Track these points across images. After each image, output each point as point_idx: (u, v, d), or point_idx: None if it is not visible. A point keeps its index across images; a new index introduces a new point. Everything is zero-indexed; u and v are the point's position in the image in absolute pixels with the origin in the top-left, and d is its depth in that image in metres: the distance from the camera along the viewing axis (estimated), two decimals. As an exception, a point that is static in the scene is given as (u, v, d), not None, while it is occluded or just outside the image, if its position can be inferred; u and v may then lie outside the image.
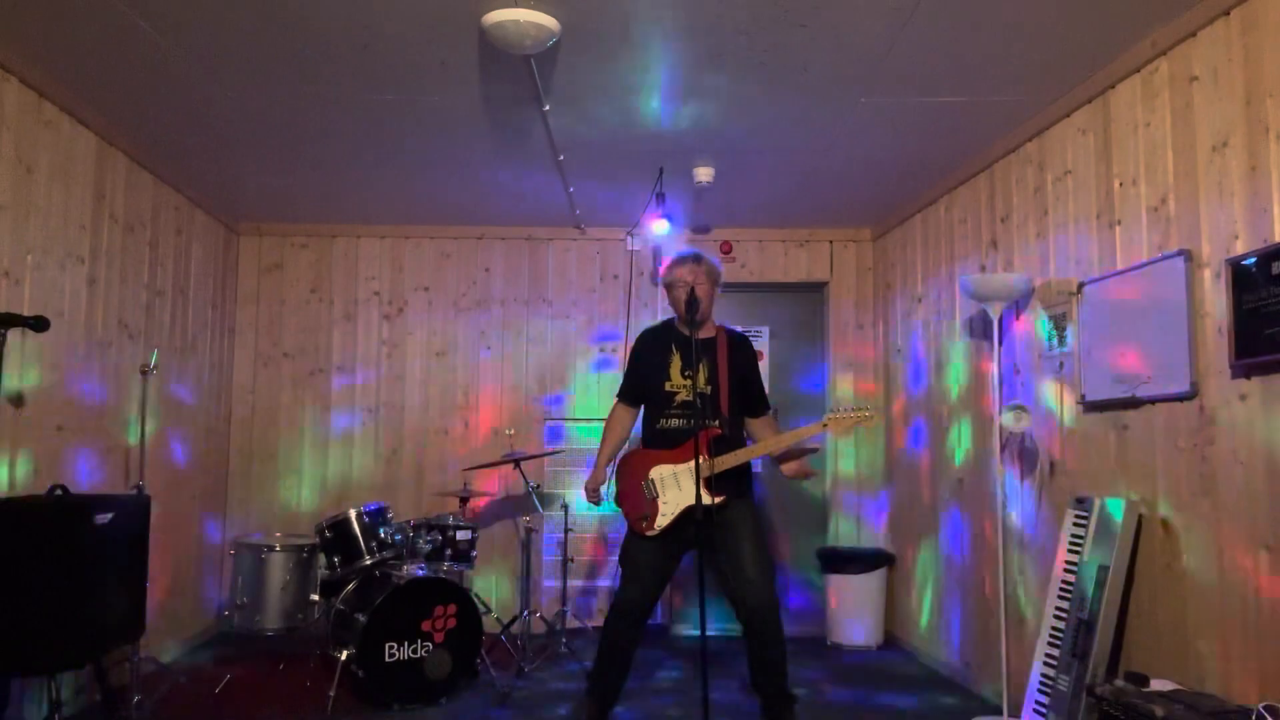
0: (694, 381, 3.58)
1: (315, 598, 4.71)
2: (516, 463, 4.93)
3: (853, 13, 3.09)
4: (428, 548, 4.54)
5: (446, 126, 4.20)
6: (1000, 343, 4.05)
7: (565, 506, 5.43)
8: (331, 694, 3.99)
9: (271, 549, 4.72)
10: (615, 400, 3.90)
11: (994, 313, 3.97)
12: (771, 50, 3.38)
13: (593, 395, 5.92)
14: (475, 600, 4.41)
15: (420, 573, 4.26)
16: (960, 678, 4.58)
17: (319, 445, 5.86)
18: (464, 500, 4.97)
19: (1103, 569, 3.21)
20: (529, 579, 5.18)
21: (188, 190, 5.04)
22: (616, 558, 3.74)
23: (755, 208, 5.56)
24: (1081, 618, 3.25)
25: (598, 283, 6.05)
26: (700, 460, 3.20)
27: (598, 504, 3.80)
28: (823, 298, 6.11)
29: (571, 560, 5.46)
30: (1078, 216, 3.68)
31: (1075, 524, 3.44)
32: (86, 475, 4.03)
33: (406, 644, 4.10)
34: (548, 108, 3.90)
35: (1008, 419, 3.87)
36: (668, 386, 3.67)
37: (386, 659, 4.05)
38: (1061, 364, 3.75)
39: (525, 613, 5.03)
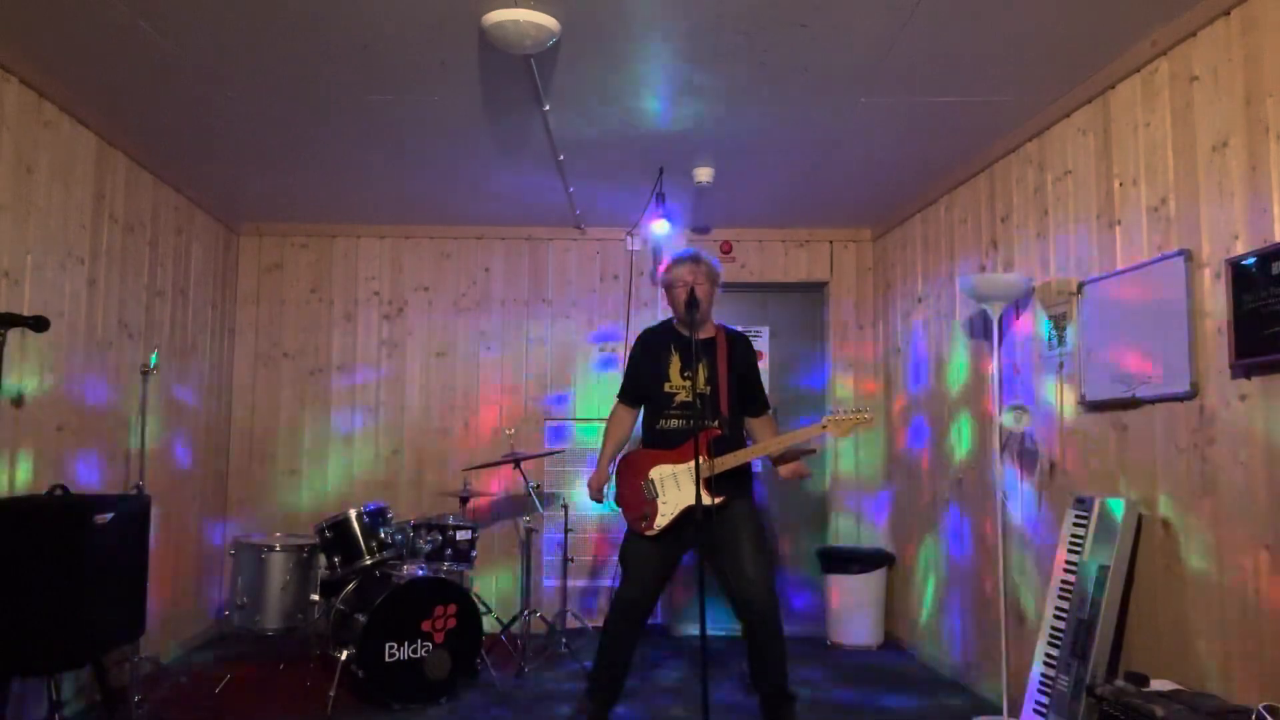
0: (693, 382, 3.57)
1: (315, 598, 4.71)
2: (516, 463, 4.93)
3: (853, 13, 3.09)
4: (428, 548, 4.54)
5: (446, 126, 4.20)
6: (1000, 343, 4.05)
7: (565, 506, 5.43)
8: (331, 694, 3.99)
9: (271, 549, 4.72)
10: (615, 401, 3.90)
11: (994, 313, 3.97)
12: (771, 50, 3.38)
13: (593, 395, 5.92)
14: (475, 600, 4.41)
15: (420, 573, 4.26)
16: (960, 677, 4.58)
17: (319, 445, 5.86)
18: (464, 500, 4.97)
19: (1103, 569, 3.21)
20: (529, 579, 5.18)
21: (188, 190, 5.04)
22: (617, 557, 3.74)
23: (755, 208, 5.56)
24: (1081, 618, 3.25)
25: (598, 283, 6.05)
26: (700, 461, 3.20)
27: (601, 501, 3.81)
28: (823, 298, 6.11)
29: (571, 560, 5.46)
30: (1078, 216, 3.68)
31: (1075, 524, 3.44)
32: (86, 475, 4.03)
33: (406, 644, 4.10)
34: (548, 108, 3.90)
35: (1008, 419, 3.87)
36: (667, 387, 3.67)
37: (386, 659, 4.05)
38: (1061, 364, 3.75)
39: (525, 613, 5.03)
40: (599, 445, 3.95)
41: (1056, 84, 3.63)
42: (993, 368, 4.07)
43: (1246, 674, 2.72)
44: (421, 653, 4.13)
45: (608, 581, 5.74)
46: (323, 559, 4.59)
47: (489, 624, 4.85)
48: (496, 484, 5.81)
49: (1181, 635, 3.00)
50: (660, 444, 3.62)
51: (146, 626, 3.65)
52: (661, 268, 3.77)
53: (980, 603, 4.39)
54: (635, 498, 3.58)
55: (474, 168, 4.80)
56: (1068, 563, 3.41)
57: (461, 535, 4.68)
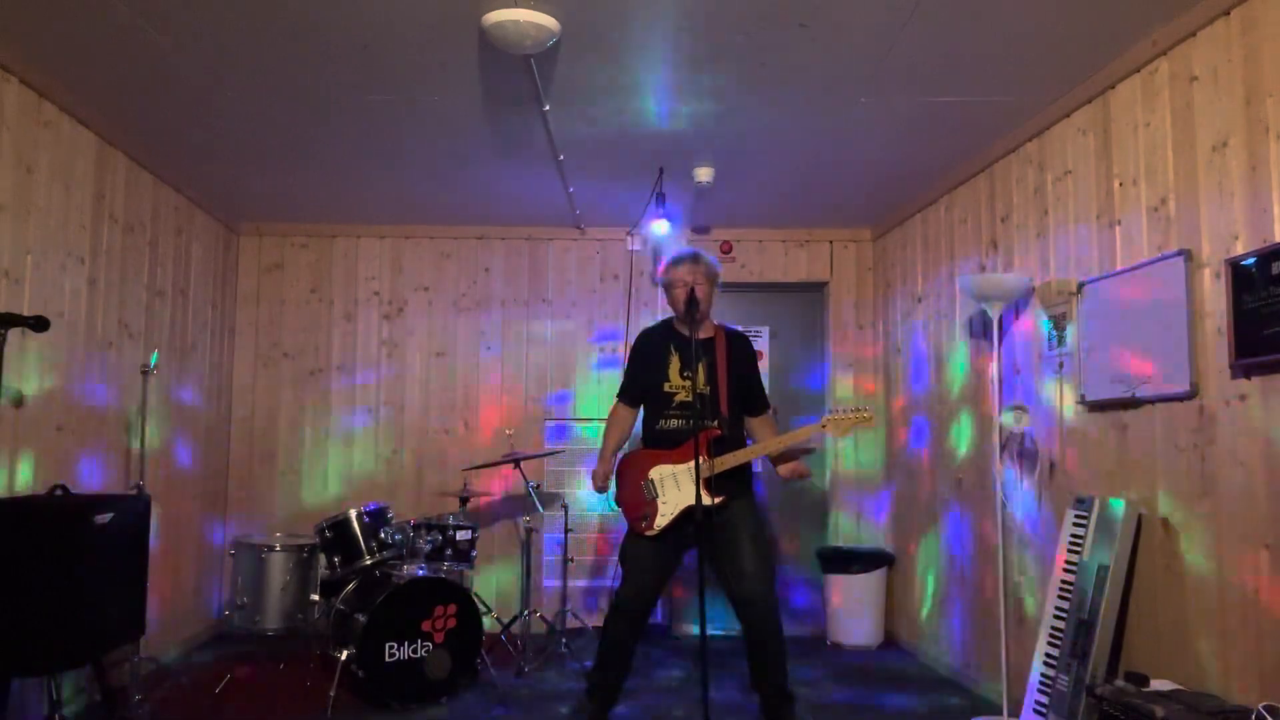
0: (693, 382, 3.57)
1: (315, 598, 4.70)
2: (516, 463, 4.93)
3: (853, 13, 3.09)
4: (428, 548, 4.54)
5: (446, 127, 4.20)
6: (1000, 343, 4.05)
7: (565, 506, 5.43)
8: (331, 694, 3.99)
9: (271, 549, 4.72)
10: (615, 400, 3.90)
11: (994, 313, 3.97)
12: (771, 50, 3.38)
13: (593, 395, 5.92)
14: (475, 600, 4.41)
15: (420, 573, 4.26)
16: (960, 677, 4.58)
17: (319, 445, 5.86)
18: (464, 500, 4.97)
19: (1103, 569, 3.21)
20: (529, 579, 5.18)
21: (188, 190, 5.04)
22: (616, 557, 3.74)
23: (755, 208, 5.56)
24: (1081, 617, 3.25)
25: (598, 283, 6.05)
26: (700, 460, 3.20)
27: (604, 492, 3.80)
28: (823, 298, 6.11)
29: (572, 560, 5.46)
30: (1078, 216, 3.68)
31: (1075, 524, 3.44)
32: (87, 475, 4.03)
33: (406, 644, 4.10)
34: (548, 108, 3.90)
35: (1008, 419, 3.87)
36: (667, 387, 3.67)
37: (386, 659, 4.05)
38: (1061, 364, 3.75)
39: (525, 613, 5.03)
40: (599, 444, 3.96)
41: (1056, 84, 3.63)
42: (993, 368, 4.07)
43: (1246, 674, 2.72)
44: (421, 653, 4.13)
45: (608, 581, 5.74)
46: (323, 559, 4.59)
47: (489, 624, 4.85)
48: (496, 484, 5.81)
49: (1181, 635, 3.00)
50: (660, 444, 3.62)
51: (146, 626, 3.64)
52: (661, 267, 3.77)
53: (980, 602, 4.39)
54: (635, 498, 3.58)
55: (474, 168, 4.80)
56: (1068, 563, 3.41)
57: (461, 535, 4.68)
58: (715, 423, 3.58)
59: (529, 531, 5.14)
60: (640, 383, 3.78)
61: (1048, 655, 3.38)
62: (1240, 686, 2.73)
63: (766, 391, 3.92)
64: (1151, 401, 3.18)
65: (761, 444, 3.66)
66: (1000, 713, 3.90)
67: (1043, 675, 3.38)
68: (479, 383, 5.95)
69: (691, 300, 3.56)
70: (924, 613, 5.11)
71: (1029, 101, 3.81)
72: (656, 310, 5.88)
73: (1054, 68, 3.49)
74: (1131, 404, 3.28)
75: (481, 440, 5.86)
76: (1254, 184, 2.74)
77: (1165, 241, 3.14)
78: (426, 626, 4.16)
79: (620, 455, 3.78)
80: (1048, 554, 3.75)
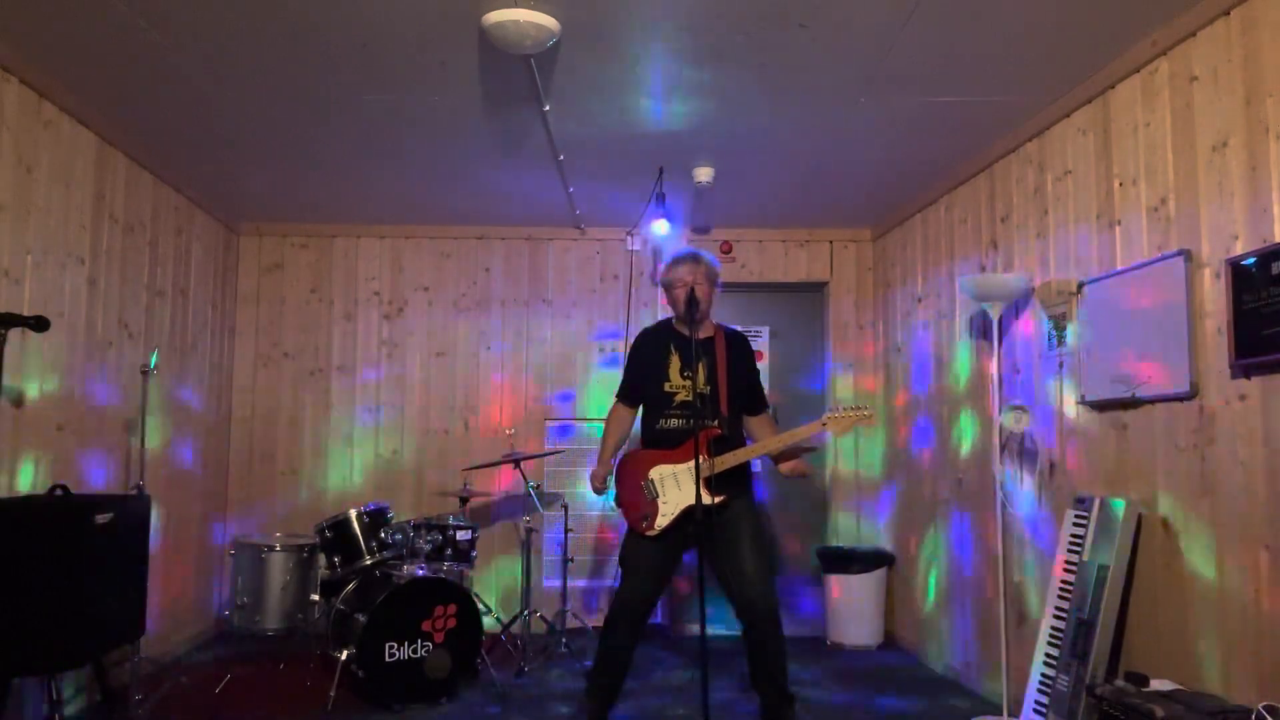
0: (693, 381, 3.57)
1: (315, 598, 4.71)
2: (516, 463, 4.93)
3: (853, 13, 3.09)
4: (428, 548, 4.54)
5: (447, 126, 4.20)
6: (1000, 343, 4.05)
7: (565, 506, 5.43)
8: (331, 694, 3.99)
9: (272, 549, 4.72)
10: (615, 400, 3.90)
11: (994, 313, 3.97)
12: (771, 50, 3.38)
13: (593, 395, 5.92)
14: (475, 600, 4.41)
15: (420, 573, 4.26)
16: (960, 677, 4.58)
17: (319, 445, 5.87)
18: (464, 500, 4.97)
19: (1103, 569, 3.21)
20: (529, 579, 5.18)
21: (188, 190, 5.04)
22: (617, 557, 3.74)
23: (755, 208, 5.56)
24: (1081, 618, 3.25)
25: (598, 283, 6.05)
26: (700, 460, 3.20)
27: (602, 492, 3.81)
28: (823, 297, 6.11)
29: (572, 560, 5.46)
30: (1078, 216, 3.68)
31: (1075, 524, 3.44)
32: (87, 475, 4.03)
33: (406, 644, 4.10)
34: (548, 108, 3.90)
35: (1008, 419, 3.87)
36: (666, 387, 3.67)
37: (386, 659, 4.05)
38: (1061, 364, 3.75)
39: (525, 612, 5.03)
40: (598, 444, 3.96)
41: (1056, 84, 3.63)
42: (993, 368, 4.07)
43: (1246, 674, 2.72)
44: (421, 653, 4.13)
45: (608, 581, 5.75)
46: (323, 559, 4.59)
47: (489, 624, 4.85)
48: (496, 484, 5.81)
49: (1181, 635, 3.00)
50: (660, 444, 3.62)
51: (146, 626, 3.65)
52: (661, 267, 3.77)
53: (980, 603, 4.39)
54: (635, 498, 3.57)
55: (474, 168, 4.80)
56: (1068, 563, 3.41)
57: (461, 535, 4.68)
58: (715, 422, 3.58)
59: (529, 531, 5.13)
60: (640, 383, 3.78)
61: (1048, 655, 3.38)
62: (1240, 686, 2.73)
63: (766, 391, 3.92)
64: (1151, 401, 3.18)
65: (762, 443, 3.66)
66: (1000, 713, 3.90)
67: (1043, 675, 3.38)
68: (479, 383, 5.95)
69: (691, 300, 3.56)
70: (924, 613, 5.11)
71: (1029, 101, 3.81)
72: (656, 310, 5.88)
73: (1054, 68, 3.49)
74: (1132, 404, 3.28)
75: (481, 440, 5.86)
76: (1254, 184, 2.74)
77: (1165, 241, 3.14)
78: (426, 626, 4.16)
79: (620, 455, 3.78)
80: (1048, 554, 3.75)
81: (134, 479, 4.05)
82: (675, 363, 3.68)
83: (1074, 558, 3.38)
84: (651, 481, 3.55)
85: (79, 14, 3.14)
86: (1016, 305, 4.10)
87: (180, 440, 5.04)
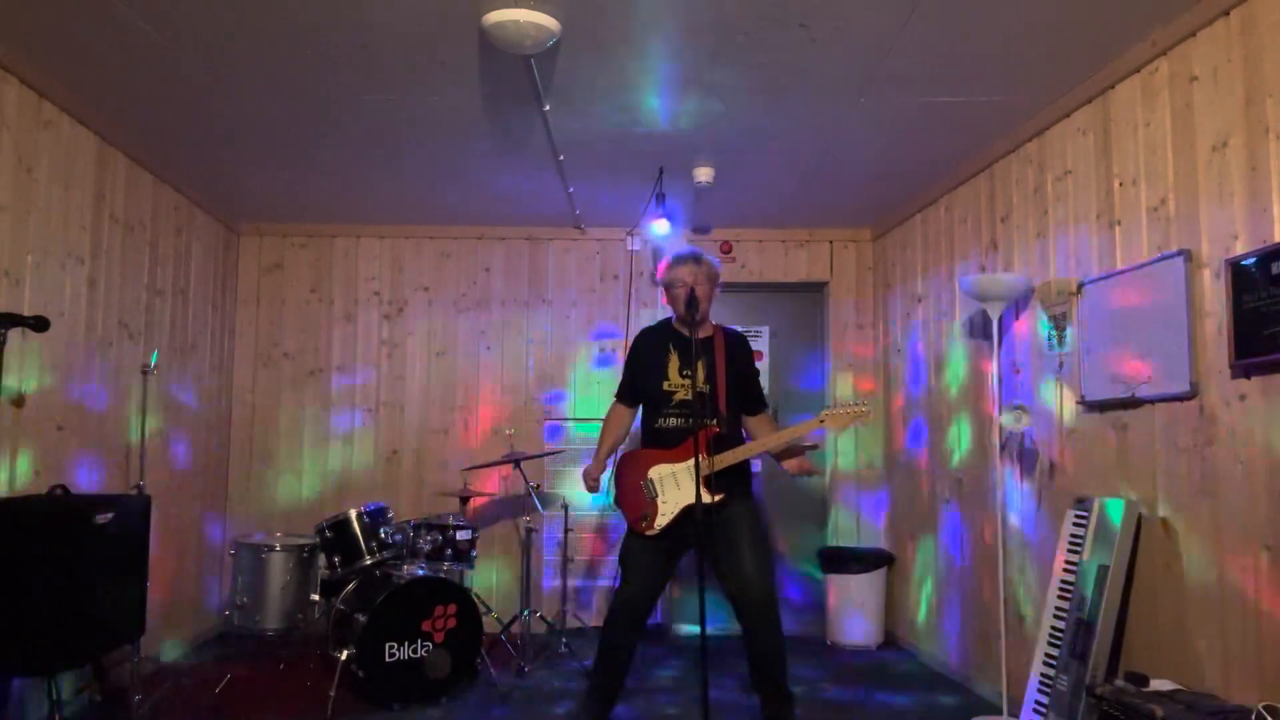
0: (693, 381, 3.57)
1: (315, 598, 4.70)
2: (516, 463, 4.93)
3: (853, 13, 3.09)
4: (428, 547, 4.54)
5: (446, 127, 4.20)
6: (1000, 343, 4.05)
7: (565, 506, 5.43)
8: (331, 694, 3.99)
9: (272, 549, 4.72)
10: (614, 401, 3.91)
11: (994, 313, 3.97)
12: (771, 50, 3.38)
13: (593, 394, 5.92)
14: (475, 600, 4.41)
15: (420, 572, 4.27)
16: (960, 677, 4.58)
17: (319, 445, 5.87)
18: (464, 500, 4.97)
19: (1102, 569, 3.21)
20: (529, 579, 5.18)
21: (188, 190, 5.04)
22: (616, 557, 3.74)
23: (755, 208, 5.56)
24: (1081, 618, 3.25)
25: (598, 283, 6.05)
26: (700, 459, 3.20)
27: (596, 491, 3.84)
28: (823, 298, 6.11)
29: (571, 560, 5.46)
30: (1078, 216, 3.68)
31: (1075, 524, 3.44)
32: (87, 475, 4.03)
33: (406, 644, 4.10)
34: (548, 108, 3.90)
35: (1008, 419, 3.87)
36: (666, 386, 3.67)
37: (386, 659, 4.05)
38: (1061, 364, 3.75)
39: (525, 612, 5.03)
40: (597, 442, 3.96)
41: (1056, 84, 3.63)
42: (992, 368, 4.07)
43: (1246, 674, 2.72)
44: (421, 653, 4.13)
45: (607, 581, 5.75)
46: (323, 559, 4.59)
47: (489, 624, 4.85)
48: (496, 484, 5.81)
49: (1181, 635, 3.00)
50: (659, 443, 3.62)
51: (146, 626, 3.65)
52: (661, 267, 3.77)
53: (980, 603, 4.39)
54: (635, 498, 3.57)
55: (474, 168, 4.80)
56: (1067, 563, 3.41)
57: (461, 535, 4.67)
58: (714, 421, 3.58)
59: (529, 531, 5.13)
60: (638, 383, 3.78)
61: (1047, 655, 3.38)
62: (1240, 686, 2.73)
63: (766, 391, 3.92)
64: (1151, 401, 3.18)
65: (761, 440, 3.66)
66: (1000, 713, 3.90)
67: (1042, 675, 3.38)
68: (479, 383, 5.95)
69: (691, 300, 3.56)
70: (923, 613, 5.11)
71: (1029, 101, 3.81)
72: (656, 310, 5.88)
73: (1054, 68, 3.49)
74: (1131, 404, 3.28)
75: (481, 440, 5.86)
76: (1254, 184, 2.74)
77: (1165, 241, 3.14)
78: (426, 626, 4.16)
79: (619, 455, 3.79)
80: (1047, 554, 3.75)
81: (134, 479, 4.05)
82: (674, 362, 3.68)
83: (1074, 558, 3.38)
84: (651, 481, 3.55)
85: (79, 14, 3.14)
86: (1016, 305, 4.10)
87: (180, 440, 5.04)
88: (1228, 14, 2.86)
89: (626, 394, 3.84)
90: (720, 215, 5.75)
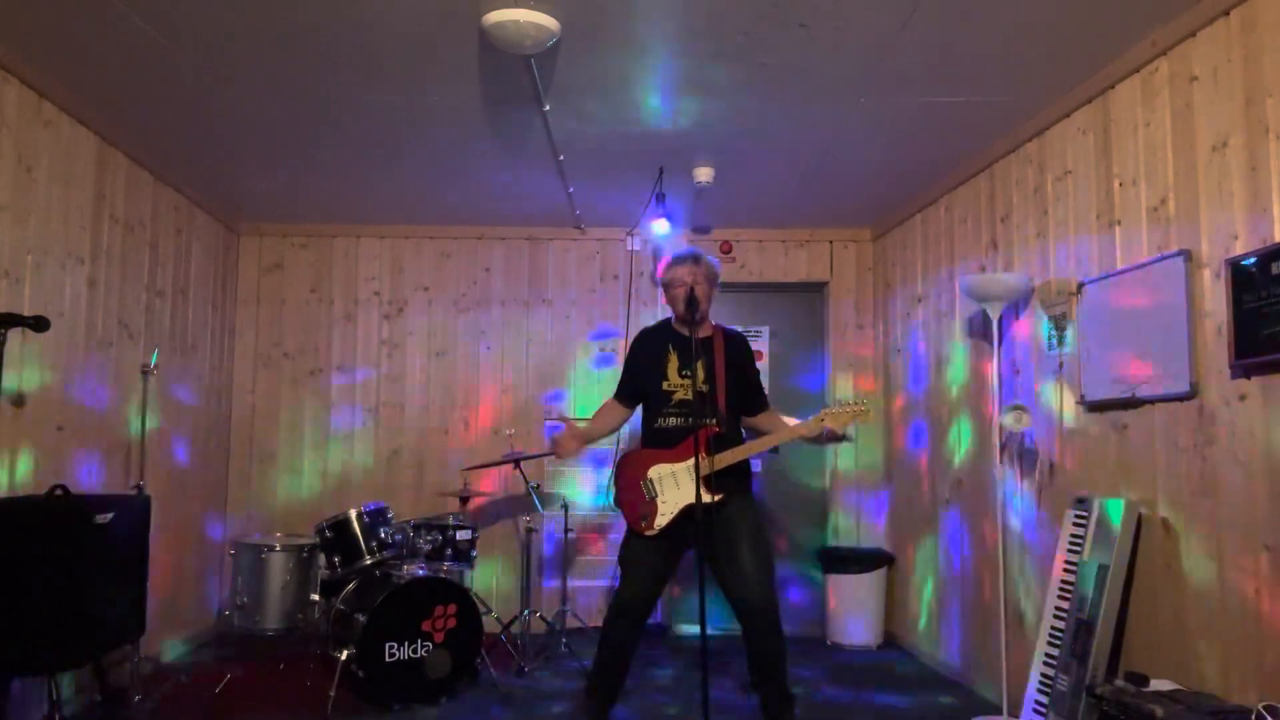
0: (692, 380, 3.57)
1: (315, 598, 4.70)
2: (516, 463, 4.93)
3: (853, 13, 3.09)
4: (428, 547, 4.54)
5: (446, 126, 4.20)
6: (1000, 343, 4.05)
7: (565, 506, 5.43)
8: (331, 694, 3.99)
9: (271, 549, 4.72)
10: (611, 398, 3.91)
11: (994, 313, 3.97)
12: (771, 50, 3.38)
13: (593, 394, 5.91)
14: (475, 600, 4.41)
15: (420, 572, 4.26)
16: (960, 677, 4.58)
17: (319, 445, 5.87)
18: (464, 500, 4.97)
19: (1102, 569, 3.21)
20: (529, 579, 5.18)
21: (188, 190, 5.04)
22: (616, 557, 3.74)
23: (755, 208, 5.56)
24: (1081, 618, 3.25)
25: (598, 283, 6.05)
26: (699, 459, 3.20)
27: (563, 458, 3.91)
28: (823, 297, 6.11)
29: (571, 560, 5.46)
30: (1078, 216, 3.68)
31: (1075, 524, 3.44)
32: (87, 475, 4.03)
33: (406, 644, 4.10)
34: (548, 108, 3.90)
35: (1008, 419, 3.87)
36: (665, 386, 3.67)
37: (386, 659, 4.05)
38: (1061, 364, 3.75)
39: (525, 612, 5.03)
40: (597, 444, 3.96)
41: (1056, 84, 3.63)
42: (992, 368, 4.07)
43: (1246, 674, 2.72)
44: (421, 653, 4.13)
45: (607, 581, 5.75)
46: (323, 559, 4.59)
47: (489, 624, 4.85)
48: (496, 484, 5.81)
49: (1181, 635, 3.00)
50: (659, 443, 3.62)
51: (146, 626, 3.65)
52: (660, 267, 3.77)
53: (980, 603, 4.39)
54: (634, 497, 3.57)
55: (474, 168, 4.80)
56: (1067, 563, 3.41)
57: (461, 535, 4.67)
58: (713, 421, 3.57)
59: (528, 531, 5.13)
60: (637, 382, 3.78)
61: (1047, 655, 3.38)
62: (1240, 686, 2.73)
63: (766, 392, 3.91)
64: (1151, 402, 3.18)
65: (759, 440, 3.66)
66: (1000, 713, 3.90)
67: (1042, 675, 3.38)
68: (479, 382, 5.95)
69: (691, 300, 3.56)
70: (923, 613, 5.11)
71: (1029, 101, 3.81)
72: (656, 310, 5.88)
73: (1054, 68, 3.49)
74: (1131, 404, 3.28)
75: (481, 440, 5.86)
76: (1254, 184, 2.74)
77: (1165, 242, 3.14)
78: (426, 626, 4.16)
79: (619, 456, 3.78)
80: (1047, 554, 3.75)
81: (134, 479, 4.05)
82: (673, 362, 3.68)
83: (1074, 558, 3.38)
84: (650, 481, 3.55)
85: (79, 14, 3.14)
86: (1016, 305, 4.10)
87: (180, 440, 5.04)
88: (1228, 14, 2.86)
89: (623, 393, 3.84)
90: (720, 215, 5.75)
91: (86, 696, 3.96)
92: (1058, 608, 3.40)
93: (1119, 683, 2.94)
